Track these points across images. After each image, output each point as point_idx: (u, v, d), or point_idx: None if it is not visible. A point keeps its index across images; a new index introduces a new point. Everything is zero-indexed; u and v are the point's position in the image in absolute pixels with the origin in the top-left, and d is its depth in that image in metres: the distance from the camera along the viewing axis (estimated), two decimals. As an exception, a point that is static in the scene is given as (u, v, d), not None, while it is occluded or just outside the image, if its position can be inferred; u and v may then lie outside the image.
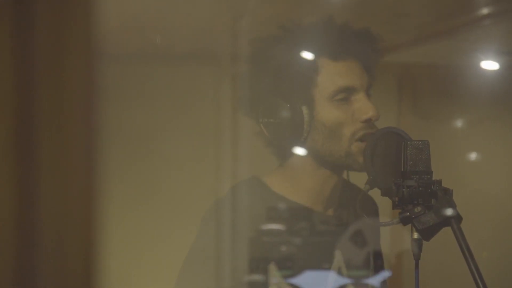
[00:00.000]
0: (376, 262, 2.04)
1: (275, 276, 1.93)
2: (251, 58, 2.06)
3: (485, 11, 2.76)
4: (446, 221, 1.82)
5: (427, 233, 1.84)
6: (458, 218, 1.82)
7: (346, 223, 1.96)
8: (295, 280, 1.94)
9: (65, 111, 0.86)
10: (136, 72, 2.76)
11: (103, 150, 0.90)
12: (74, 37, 0.87)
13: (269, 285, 1.93)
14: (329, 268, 1.95)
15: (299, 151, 2.01)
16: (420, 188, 1.84)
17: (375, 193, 1.99)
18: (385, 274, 2.06)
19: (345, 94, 1.97)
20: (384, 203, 2.03)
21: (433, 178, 1.87)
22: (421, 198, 1.84)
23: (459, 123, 3.16)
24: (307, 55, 2.01)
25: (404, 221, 1.84)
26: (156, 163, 2.75)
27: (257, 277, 1.96)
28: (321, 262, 1.95)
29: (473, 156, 3.09)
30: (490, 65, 2.97)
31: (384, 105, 3.17)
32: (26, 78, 0.84)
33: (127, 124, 2.71)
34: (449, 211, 1.82)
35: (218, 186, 2.47)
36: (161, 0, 2.52)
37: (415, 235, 1.84)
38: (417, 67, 3.19)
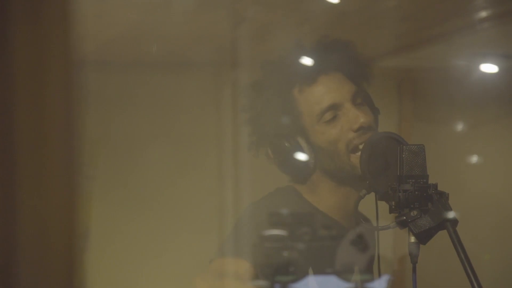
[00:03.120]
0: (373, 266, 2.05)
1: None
2: (252, 89, 2.09)
3: (484, 14, 2.77)
4: (442, 225, 1.83)
5: (424, 236, 1.84)
6: (454, 221, 1.82)
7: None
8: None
9: (47, 122, 0.87)
10: (136, 80, 2.77)
11: (88, 159, 0.91)
12: (53, 48, 0.88)
13: None
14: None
15: (315, 174, 2.04)
16: (416, 192, 1.85)
17: (372, 198, 2.00)
18: (386, 278, 2.07)
19: (331, 113, 1.99)
20: (381, 208, 2.04)
21: (431, 182, 1.88)
22: (417, 202, 1.84)
23: (459, 126, 3.17)
24: (283, 90, 2.03)
25: (400, 225, 1.85)
26: (155, 169, 2.76)
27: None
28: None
29: (473, 158, 3.09)
30: (489, 68, 2.98)
31: (385, 109, 3.17)
32: (6, 88, 0.86)
33: (127, 131, 2.72)
34: (445, 215, 1.83)
35: (220, 192, 2.48)
36: (160, 9, 2.53)
37: (412, 239, 1.85)
38: (417, 71, 3.20)
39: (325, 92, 2.00)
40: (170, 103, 2.82)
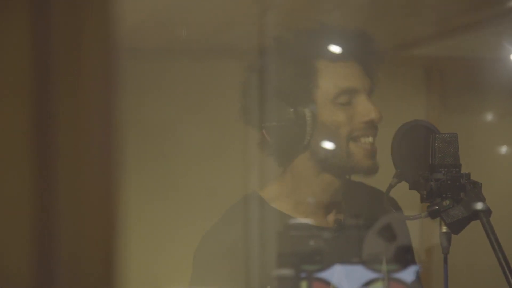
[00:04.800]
0: (406, 257, 2.02)
1: None
2: (254, 64, 2.06)
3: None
4: (475, 215, 1.80)
5: (456, 226, 1.82)
6: (487, 211, 1.80)
7: (345, 228, 1.93)
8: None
9: (83, 107, 0.85)
10: (162, 66, 2.76)
11: (123, 145, 0.89)
12: (91, 32, 0.87)
13: None
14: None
15: (302, 155, 1.99)
16: (449, 181, 1.82)
17: (404, 187, 1.97)
18: (415, 269, 2.04)
19: (347, 97, 1.95)
20: (412, 197, 2.01)
21: (462, 171, 1.85)
22: (450, 191, 1.82)
23: (487, 116, 3.13)
24: (306, 58, 2.00)
25: (432, 214, 1.82)
26: (179, 157, 2.75)
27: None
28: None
29: (502, 149, 3.06)
30: (519, 57, 2.94)
31: (412, 98, 3.14)
32: (44, 73, 0.84)
33: (153, 117, 2.71)
34: (478, 205, 1.80)
35: (244, 179, 2.46)
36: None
37: (444, 229, 1.82)
38: (445, 60, 3.17)
39: (348, 74, 1.98)
40: (196, 89, 2.80)
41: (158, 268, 2.62)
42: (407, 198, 2.12)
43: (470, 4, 2.75)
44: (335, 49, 1.98)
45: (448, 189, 1.81)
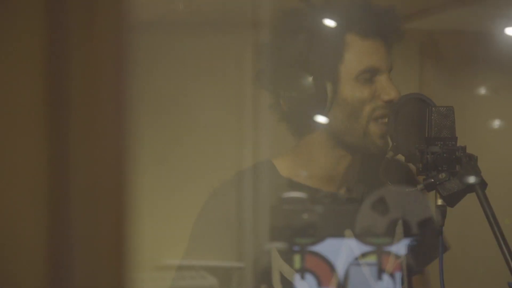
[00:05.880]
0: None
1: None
2: (276, 28, 2.04)
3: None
4: (470, 187, 1.81)
5: (452, 199, 1.83)
6: (483, 184, 1.81)
7: (358, 200, 1.94)
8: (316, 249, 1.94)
9: (96, 79, 0.86)
10: (159, 40, 2.75)
11: (134, 118, 0.90)
12: (104, 8, 0.87)
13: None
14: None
15: (318, 126, 1.99)
16: (445, 154, 1.83)
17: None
18: (406, 243, 2.05)
19: (369, 74, 1.96)
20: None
21: (458, 145, 1.86)
22: (446, 164, 1.83)
23: (482, 90, 3.14)
24: (336, 29, 1.98)
25: (428, 187, 1.84)
26: (178, 130, 2.75)
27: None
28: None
29: (497, 123, 3.07)
30: (514, 31, 2.94)
31: (406, 72, 3.14)
32: (57, 47, 0.84)
33: (150, 91, 2.70)
34: (473, 178, 1.81)
35: (240, 154, 2.46)
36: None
37: (439, 202, 1.84)
38: (440, 33, 3.16)
39: (374, 52, 1.97)
40: (191, 63, 2.80)
41: (166, 241, 2.63)
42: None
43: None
44: (367, 24, 1.97)
45: (444, 162, 1.82)
